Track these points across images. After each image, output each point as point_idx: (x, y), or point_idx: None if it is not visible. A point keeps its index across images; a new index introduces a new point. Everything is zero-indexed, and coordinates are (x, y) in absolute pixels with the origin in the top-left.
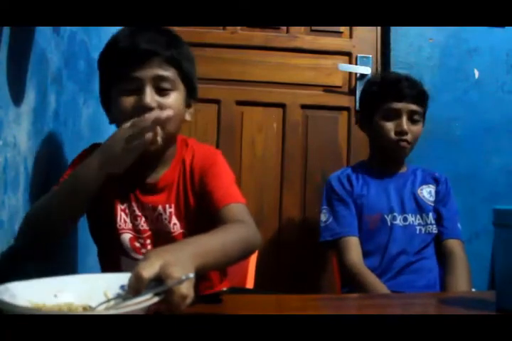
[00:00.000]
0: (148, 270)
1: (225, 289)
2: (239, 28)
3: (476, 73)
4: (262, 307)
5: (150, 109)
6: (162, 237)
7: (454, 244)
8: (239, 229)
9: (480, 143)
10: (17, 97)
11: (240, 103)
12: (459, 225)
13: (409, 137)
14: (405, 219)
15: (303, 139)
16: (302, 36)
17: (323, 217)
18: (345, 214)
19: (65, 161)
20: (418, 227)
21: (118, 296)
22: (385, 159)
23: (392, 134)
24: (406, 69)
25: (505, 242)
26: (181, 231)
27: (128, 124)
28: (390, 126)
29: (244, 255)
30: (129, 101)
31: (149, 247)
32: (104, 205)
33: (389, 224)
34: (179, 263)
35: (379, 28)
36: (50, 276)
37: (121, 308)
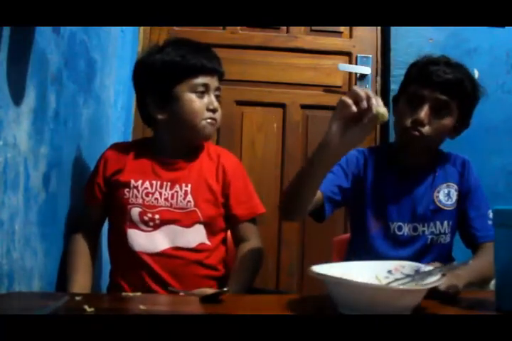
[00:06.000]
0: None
1: (225, 289)
2: (239, 28)
3: (476, 73)
4: (262, 307)
5: (216, 109)
6: (172, 212)
7: (489, 248)
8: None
9: (480, 143)
10: (17, 97)
11: (239, 103)
12: (490, 222)
13: (425, 129)
14: (415, 229)
15: (303, 139)
16: (302, 36)
17: None
18: (333, 172)
19: (64, 161)
20: (430, 237)
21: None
22: (401, 148)
23: (408, 121)
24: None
25: (505, 242)
26: (194, 208)
27: None
28: (408, 111)
29: None
30: (201, 101)
31: (157, 222)
32: (120, 180)
33: (392, 232)
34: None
35: (379, 28)
36: None
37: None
